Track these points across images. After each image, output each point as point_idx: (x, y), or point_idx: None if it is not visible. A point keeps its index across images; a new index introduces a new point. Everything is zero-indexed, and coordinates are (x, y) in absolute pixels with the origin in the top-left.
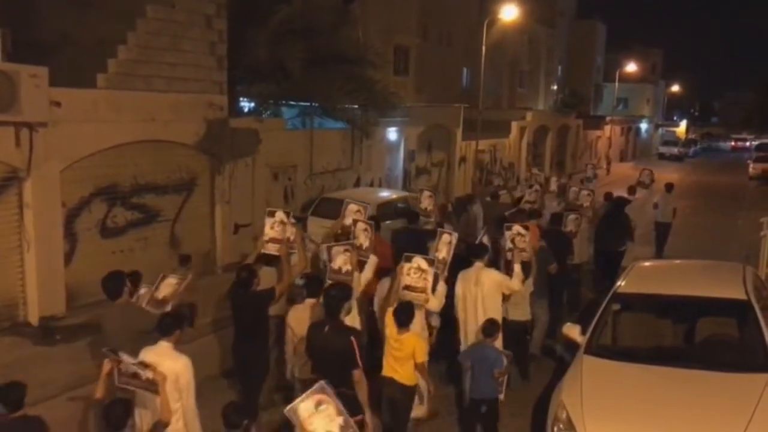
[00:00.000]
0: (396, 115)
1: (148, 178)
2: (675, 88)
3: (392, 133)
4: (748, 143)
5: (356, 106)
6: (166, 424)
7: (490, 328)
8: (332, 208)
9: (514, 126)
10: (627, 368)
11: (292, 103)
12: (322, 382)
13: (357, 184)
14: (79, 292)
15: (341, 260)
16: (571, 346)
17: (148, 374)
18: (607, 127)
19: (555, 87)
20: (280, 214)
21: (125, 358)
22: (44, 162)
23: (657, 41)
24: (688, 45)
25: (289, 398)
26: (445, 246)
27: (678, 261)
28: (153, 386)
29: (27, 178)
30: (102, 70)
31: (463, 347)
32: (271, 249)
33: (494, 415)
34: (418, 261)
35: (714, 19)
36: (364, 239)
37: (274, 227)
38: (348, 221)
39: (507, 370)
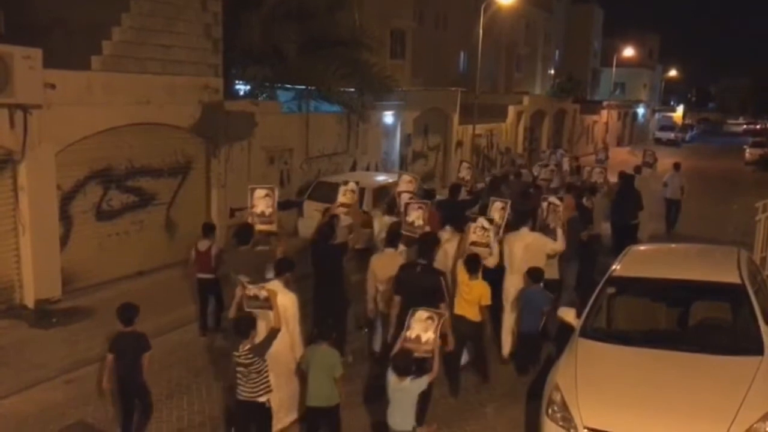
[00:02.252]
0: (392, 98)
1: (144, 161)
2: (672, 73)
3: (388, 117)
4: (758, 126)
5: (352, 90)
6: (278, 331)
7: (536, 274)
8: (328, 192)
9: (511, 110)
10: (621, 351)
11: (287, 86)
12: (445, 312)
13: (353, 168)
14: (74, 275)
15: (415, 215)
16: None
17: (263, 293)
18: (604, 112)
19: (552, 71)
20: (351, 184)
21: (247, 282)
22: (39, 144)
23: (654, 26)
24: (686, 30)
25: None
26: (497, 212)
27: (673, 245)
28: (267, 303)
29: (22, 160)
30: (96, 52)
31: (505, 296)
32: (341, 211)
33: (538, 346)
34: (482, 221)
35: (711, 4)
36: (416, 217)
37: (346, 194)
38: (401, 188)
39: (549, 311)
